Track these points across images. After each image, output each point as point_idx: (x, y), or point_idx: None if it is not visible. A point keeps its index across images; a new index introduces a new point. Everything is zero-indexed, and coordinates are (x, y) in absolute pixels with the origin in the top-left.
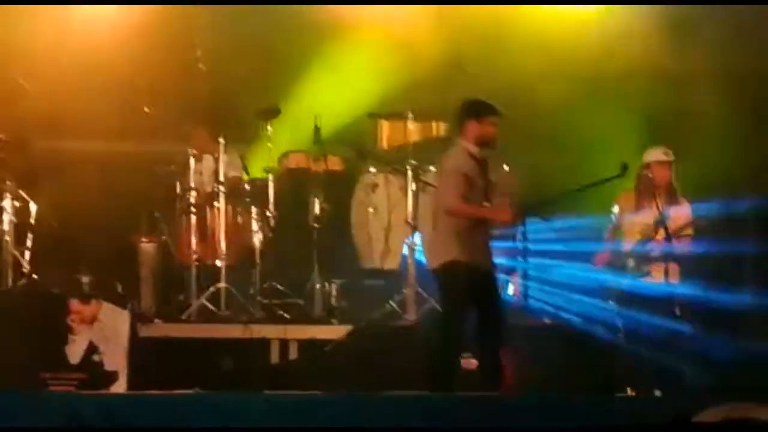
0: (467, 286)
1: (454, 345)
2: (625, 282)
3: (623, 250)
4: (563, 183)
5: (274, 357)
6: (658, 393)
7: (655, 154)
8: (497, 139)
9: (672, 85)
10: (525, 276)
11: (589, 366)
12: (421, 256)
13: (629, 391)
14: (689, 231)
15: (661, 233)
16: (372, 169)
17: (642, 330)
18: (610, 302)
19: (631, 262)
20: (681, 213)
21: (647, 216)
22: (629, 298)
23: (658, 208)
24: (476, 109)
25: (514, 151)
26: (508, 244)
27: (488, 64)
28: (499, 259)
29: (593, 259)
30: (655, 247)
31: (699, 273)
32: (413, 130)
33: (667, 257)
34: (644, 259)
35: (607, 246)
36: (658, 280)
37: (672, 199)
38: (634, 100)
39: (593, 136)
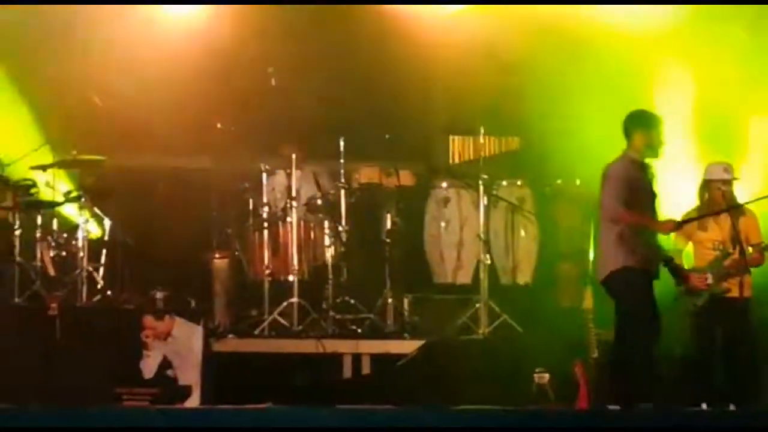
0: (644, 288)
1: (649, 351)
2: (701, 297)
3: (702, 267)
4: None
5: (347, 372)
6: (732, 407)
7: (717, 172)
8: (663, 149)
9: None
10: (598, 288)
11: (664, 379)
12: (493, 270)
13: (704, 406)
14: (761, 242)
15: (738, 248)
16: (444, 184)
17: (717, 344)
18: (686, 316)
19: (709, 278)
20: (750, 225)
21: (715, 233)
22: (705, 312)
23: (732, 224)
24: (644, 120)
25: None
26: (582, 256)
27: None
28: (571, 272)
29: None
30: (732, 260)
31: None
32: (485, 144)
33: (741, 270)
34: (722, 275)
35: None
36: (734, 294)
37: (738, 212)
38: None
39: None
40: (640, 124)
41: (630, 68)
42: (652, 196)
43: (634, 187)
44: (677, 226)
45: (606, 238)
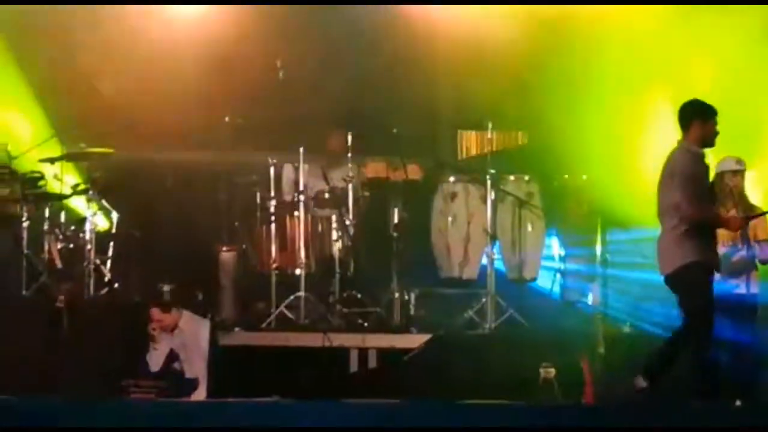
0: (708, 283)
1: (710, 348)
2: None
3: None
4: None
5: (353, 365)
6: (738, 403)
7: (728, 164)
8: (716, 139)
9: None
10: (605, 284)
11: (670, 374)
12: (500, 265)
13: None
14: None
15: (746, 244)
16: (451, 178)
17: (723, 338)
18: None
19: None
20: (759, 222)
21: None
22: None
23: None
24: (701, 110)
25: None
26: (589, 251)
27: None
28: (578, 267)
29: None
30: (740, 256)
31: None
32: (492, 139)
33: (748, 264)
34: (732, 269)
35: None
36: (741, 290)
37: (747, 206)
38: None
39: None
40: (699, 115)
41: (638, 64)
42: (710, 187)
43: (697, 181)
44: (744, 222)
45: (671, 233)
